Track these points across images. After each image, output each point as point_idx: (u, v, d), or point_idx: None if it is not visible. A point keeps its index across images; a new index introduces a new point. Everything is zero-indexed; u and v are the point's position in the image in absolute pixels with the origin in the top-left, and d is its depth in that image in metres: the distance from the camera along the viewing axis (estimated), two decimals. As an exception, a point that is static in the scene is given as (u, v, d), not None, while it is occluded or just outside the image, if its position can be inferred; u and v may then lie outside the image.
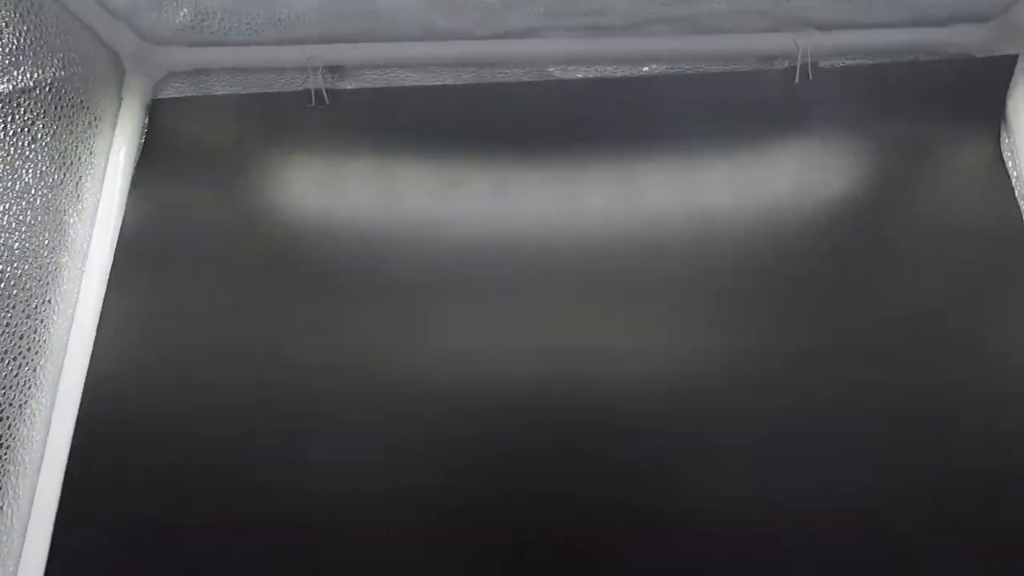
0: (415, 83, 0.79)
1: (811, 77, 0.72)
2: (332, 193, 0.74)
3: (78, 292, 0.70)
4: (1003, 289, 0.67)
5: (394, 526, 0.63)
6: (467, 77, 0.79)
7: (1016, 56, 0.71)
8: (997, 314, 0.66)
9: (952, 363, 0.64)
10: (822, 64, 0.74)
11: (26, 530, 0.63)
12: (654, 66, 0.78)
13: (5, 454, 0.62)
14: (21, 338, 0.63)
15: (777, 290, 0.68)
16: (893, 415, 0.63)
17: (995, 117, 0.72)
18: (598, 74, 0.78)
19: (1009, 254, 0.68)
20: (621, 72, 0.78)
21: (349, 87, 0.79)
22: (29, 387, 0.64)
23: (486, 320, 0.68)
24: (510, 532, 0.62)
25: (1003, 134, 0.72)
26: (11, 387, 0.62)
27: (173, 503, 0.64)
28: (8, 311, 0.61)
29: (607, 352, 0.66)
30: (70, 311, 0.69)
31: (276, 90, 0.79)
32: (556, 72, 0.79)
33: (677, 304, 0.68)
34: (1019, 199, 0.69)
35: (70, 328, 0.69)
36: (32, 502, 0.64)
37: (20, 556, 0.63)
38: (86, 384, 0.67)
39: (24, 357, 0.63)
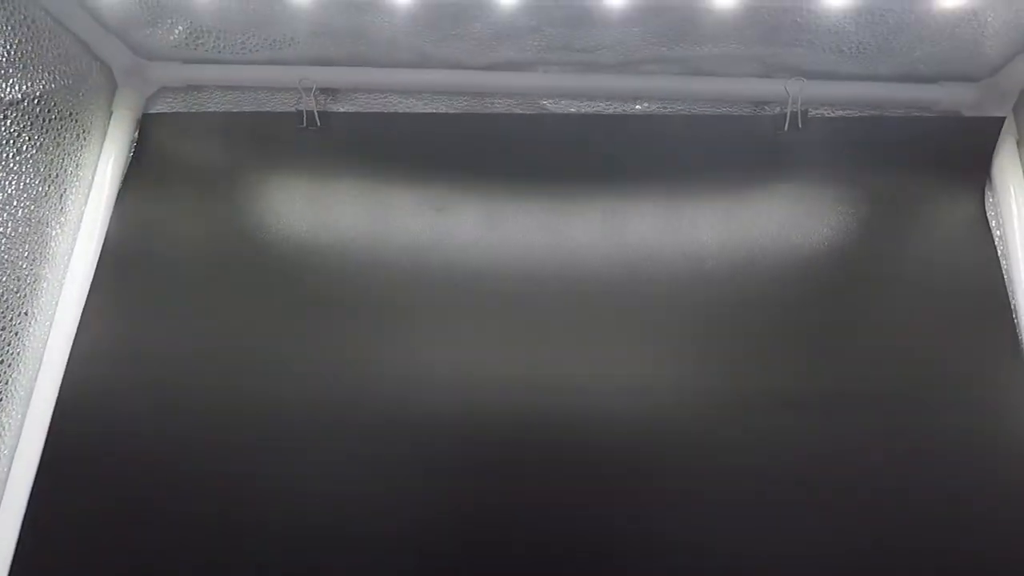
0: (407, 109, 0.79)
1: (800, 125, 0.73)
2: (318, 214, 0.74)
3: (56, 305, 0.70)
4: (982, 343, 0.67)
5: (369, 549, 0.63)
6: (460, 105, 0.79)
7: (1003, 118, 0.71)
8: (976, 368, 0.66)
9: (928, 414, 0.65)
10: (812, 113, 0.74)
11: (-11, 545, 0.63)
12: (646, 104, 0.78)
13: (-29, 468, 0.61)
14: (-6, 350, 0.63)
15: (760, 333, 0.68)
16: (872, 460, 0.63)
17: (981, 175, 0.72)
18: (590, 109, 0.79)
19: (989, 309, 0.68)
20: (613, 109, 0.78)
21: (341, 110, 0.79)
22: (0, 399, 0.64)
23: (465, 347, 0.68)
24: (485, 565, 0.62)
25: (987, 192, 0.73)
26: (-19, 400, 0.62)
27: (144, 522, 0.64)
28: (-18, 324, 0.61)
29: (586, 385, 0.66)
30: (47, 323, 0.69)
31: (268, 109, 0.79)
32: (548, 105, 0.79)
33: (660, 341, 0.68)
34: (1001, 257, 0.70)
35: (46, 341, 0.68)
36: (-4, 518, 0.63)
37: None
38: (59, 399, 0.67)
39: (-4, 369, 0.63)
